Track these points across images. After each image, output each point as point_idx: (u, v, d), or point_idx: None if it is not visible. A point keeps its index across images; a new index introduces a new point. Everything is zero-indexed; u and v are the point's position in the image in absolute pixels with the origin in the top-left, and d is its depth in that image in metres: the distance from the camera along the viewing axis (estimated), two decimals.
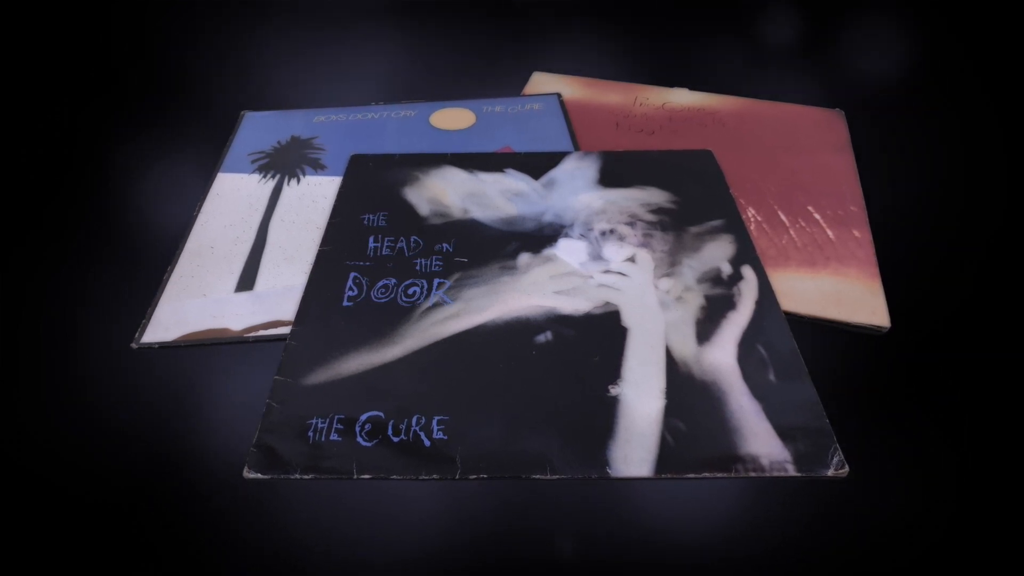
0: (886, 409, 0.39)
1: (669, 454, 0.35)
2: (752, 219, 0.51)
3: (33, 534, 0.34)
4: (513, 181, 0.53)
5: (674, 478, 0.35)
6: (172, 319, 0.44)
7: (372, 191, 0.52)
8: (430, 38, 0.74)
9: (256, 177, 0.56)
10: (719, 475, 0.35)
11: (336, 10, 0.78)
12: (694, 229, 0.49)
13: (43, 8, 0.77)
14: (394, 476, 0.35)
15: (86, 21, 0.76)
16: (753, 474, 0.35)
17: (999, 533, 0.34)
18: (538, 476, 0.35)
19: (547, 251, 0.47)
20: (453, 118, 0.62)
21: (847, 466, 0.35)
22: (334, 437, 0.36)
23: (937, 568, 0.33)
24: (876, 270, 0.47)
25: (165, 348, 0.42)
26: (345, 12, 0.78)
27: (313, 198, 0.53)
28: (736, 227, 0.49)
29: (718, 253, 0.47)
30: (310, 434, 0.36)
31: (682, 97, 0.64)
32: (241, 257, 0.48)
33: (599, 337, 0.41)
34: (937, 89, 0.66)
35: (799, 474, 0.35)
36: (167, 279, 0.46)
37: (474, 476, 0.35)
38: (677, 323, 0.42)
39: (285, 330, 0.43)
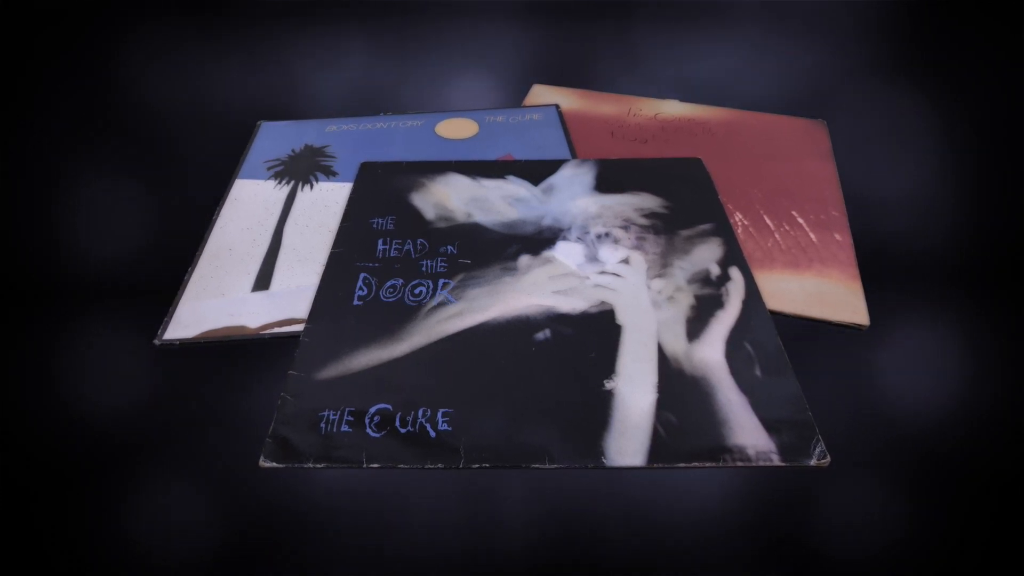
0: (866, 403, 0.39)
1: (661, 445, 0.35)
2: (739, 223, 0.51)
3: (58, 521, 0.34)
4: (514, 187, 0.53)
5: (666, 468, 0.35)
6: (192, 317, 0.44)
7: (381, 196, 0.52)
8: (435, 52, 0.74)
9: (272, 183, 0.55)
10: (708, 465, 0.35)
11: (347, 28, 0.78)
12: (685, 232, 0.49)
13: (69, 21, 0.77)
14: (401, 465, 0.35)
15: (114, 38, 0.76)
16: (740, 464, 0.35)
17: (977, 521, 0.34)
18: (537, 466, 0.35)
19: (546, 253, 0.47)
20: (457, 128, 0.62)
21: (828, 456, 0.35)
22: (345, 428, 0.36)
23: (915, 555, 0.33)
24: (856, 271, 0.47)
25: (185, 345, 0.42)
26: (355, 30, 0.78)
27: (325, 203, 0.53)
28: (724, 231, 0.49)
29: (707, 255, 0.47)
30: (322, 426, 0.36)
31: (673, 108, 0.64)
32: (257, 259, 0.48)
33: (595, 335, 0.41)
34: (913, 99, 0.66)
35: (783, 464, 0.35)
36: (187, 279, 0.46)
37: (476, 466, 0.35)
38: (669, 321, 0.42)
39: (299, 328, 0.43)
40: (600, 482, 0.35)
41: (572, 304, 0.43)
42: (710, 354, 0.40)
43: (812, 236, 0.50)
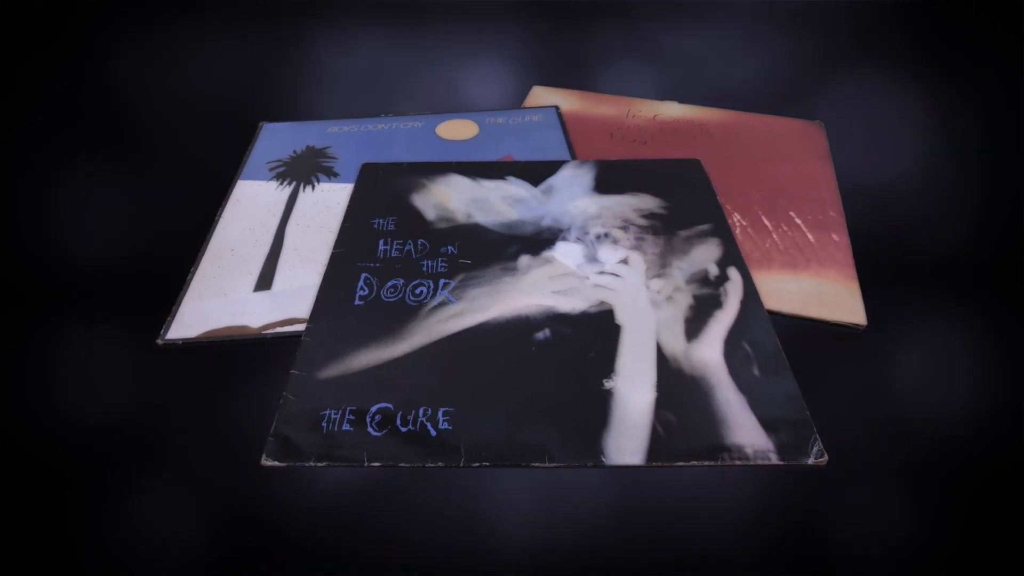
0: (863, 402, 0.39)
1: (660, 444, 0.35)
2: (738, 224, 0.51)
3: (61, 520, 0.34)
4: (514, 188, 0.53)
5: (664, 466, 0.35)
6: (195, 317, 0.44)
7: (382, 197, 0.52)
8: (436, 55, 0.74)
9: (274, 184, 0.55)
10: (707, 464, 0.35)
11: (348, 30, 0.78)
12: (683, 233, 0.49)
13: (72, 21, 0.77)
14: (402, 464, 0.35)
15: (116, 38, 0.76)
16: (738, 463, 0.35)
17: (975, 520, 0.34)
18: (537, 465, 0.35)
19: (546, 253, 0.47)
20: (458, 129, 0.62)
21: (826, 455, 0.35)
22: (346, 427, 0.36)
23: (914, 554, 0.33)
24: (853, 271, 0.47)
25: (188, 344, 0.42)
26: (357, 32, 0.78)
27: (327, 204, 0.53)
28: (723, 231, 0.49)
29: (706, 255, 0.47)
30: (324, 424, 0.36)
31: (672, 109, 0.64)
32: (259, 259, 0.48)
33: (594, 334, 0.41)
34: (910, 100, 0.66)
35: (781, 463, 0.35)
36: (190, 279, 0.46)
37: (477, 464, 0.35)
38: (668, 321, 0.42)
39: (301, 327, 0.43)
40: (599, 481, 0.35)
41: (572, 304, 0.43)
42: (709, 354, 0.40)
43: (810, 236, 0.50)
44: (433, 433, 0.36)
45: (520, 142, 0.59)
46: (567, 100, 0.66)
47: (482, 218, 0.50)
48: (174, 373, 0.41)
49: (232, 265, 0.48)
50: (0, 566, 0.32)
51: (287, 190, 0.55)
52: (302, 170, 0.57)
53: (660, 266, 0.46)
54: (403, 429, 0.36)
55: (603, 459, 0.35)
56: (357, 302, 0.44)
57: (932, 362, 0.42)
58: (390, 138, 0.60)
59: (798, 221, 0.51)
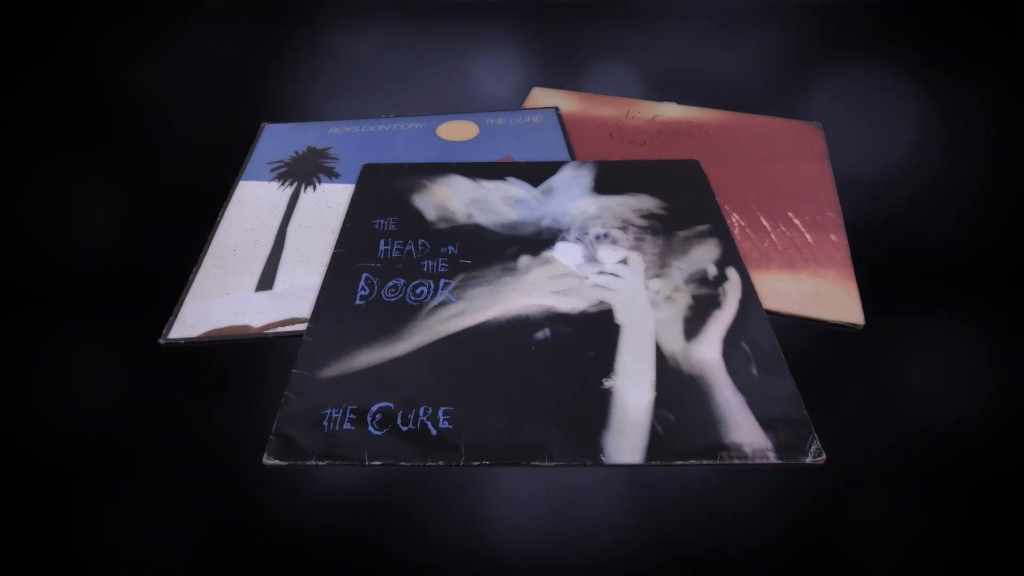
0: (860, 401, 0.39)
1: (659, 443, 0.35)
2: (736, 224, 0.51)
3: (64, 519, 0.34)
4: (514, 188, 0.53)
5: (663, 465, 0.35)
6: (197, 317, 0.44)
7: (383, 198, 0.52)
8: (436, 56, 0.74)
9: (275, 184, 0.55)
10: (705, 463, 0.35)
11: (348, 31, 0.78)
12: (682, 233, 0.49)
13: (75, 24, 0.77)
14: (402, 463, 0.35)
15: (119, 39, 0.76)
16: (737, 462, 0.35)
17: (972, 520, 0.34)
18: (537, 463, 0.35)
19: (545, 253, 0.47)
20: (458, 130, 0.62)
21: (824, 454, 0.35)
22: (347, 426, 0.36)
23: (912, 553, 0.33)
24: (851, 271, 0.47)
25: (190, 344, 0.42)
26: (357, 33, 0.78)
27: (328, 204, 0.53)
28: (721, 232, 0.49)
29: (704, 256, 0.47)
30: (325, 423, 0.36)
31: (671, 110, 0.64)
32: (261, 259, 0.48)
33: (594, 334, 0.41)
34: (908, 100, 0.66)
35: (780, 462, 0.35)
36: (192, 279, 0.46)
37: (477, 463, 0.35)
38: (666, 321, 0.42)
39: (302, 327, 0.43)
40: (599, 480, 0.35)
41: (571, 304, 0.43)
42: (707, 353, 0.40)
43: (808, 237, 0.50)
44: (433, 432, 0.36)
45: (520, 143, 0.60)
46: (567, 101, 0.66)
47: (482, 218, 0.50)
48: (176, 373, 0.41)
49: (234, 265, 0.48)
50: (1, 565, 0.32)
51: (288, 191, 0.55)
52: (303, 171, 0.57)
53: (659, 266, 0.46)
54: (404, 428, 0.36)
55: (602, 458, 0.35)
56: (358, 302, 0.44)
57: (929, 361, 0.42)
58: (391, 139, 0.61)
59: (796, 221, 0.51)
